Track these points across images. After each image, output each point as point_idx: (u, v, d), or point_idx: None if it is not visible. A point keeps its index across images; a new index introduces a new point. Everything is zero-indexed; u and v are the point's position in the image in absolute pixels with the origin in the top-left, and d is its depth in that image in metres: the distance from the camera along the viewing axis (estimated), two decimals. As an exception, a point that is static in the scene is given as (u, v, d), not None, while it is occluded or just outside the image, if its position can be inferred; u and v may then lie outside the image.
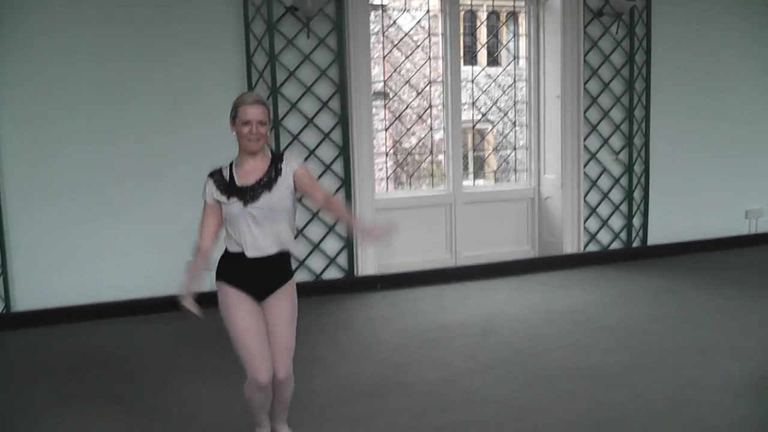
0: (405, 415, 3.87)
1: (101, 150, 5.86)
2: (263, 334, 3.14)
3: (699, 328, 5.25)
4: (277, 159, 3.16)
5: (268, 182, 3.09)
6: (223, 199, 3.09)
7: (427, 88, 7.14)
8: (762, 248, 7.88)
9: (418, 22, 7.20)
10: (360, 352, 4.92)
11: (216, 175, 3.14)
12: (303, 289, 6.10)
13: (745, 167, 8.06)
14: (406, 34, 7.36)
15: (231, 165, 3.16)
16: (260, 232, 3.08)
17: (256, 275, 3.13)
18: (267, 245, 3.10)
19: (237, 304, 3.12)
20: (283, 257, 3.19)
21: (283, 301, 3.20)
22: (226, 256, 3.16)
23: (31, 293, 5.81)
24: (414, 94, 7.36)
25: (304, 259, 6.37)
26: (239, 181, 3.10)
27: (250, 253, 3.08)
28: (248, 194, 3.07)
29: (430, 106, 7.16)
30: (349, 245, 6.48)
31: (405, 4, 7.32)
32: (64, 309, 5.83)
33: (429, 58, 7.11)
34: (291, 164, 3.14)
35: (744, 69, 7.95)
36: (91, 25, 5.77)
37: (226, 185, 3.10)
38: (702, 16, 7.66)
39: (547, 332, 5.23)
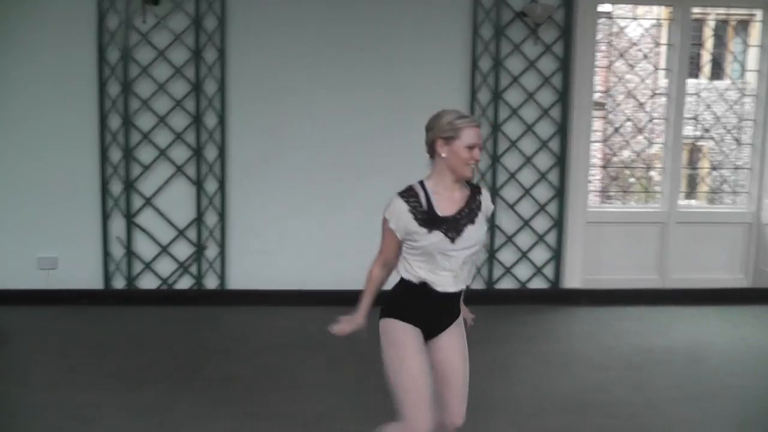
0: (603, 436, 3.85)
1: (323, 148, 6.24)
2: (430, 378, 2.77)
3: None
4: (476, 190, 2.84)
5: (470, 214, 2.75)
6: (420, 231, 2.69)
7: (650, 99, 6.93)
8: None
9: (646, 30, 7.00)
10: (561, 366, 4.90)
11: (412, 201, 2.72)
12: (507, 297, 6.26)
13: None
14: (633, 44, 7.16)
15: (425, 188, 2.76)
16: (457, 267, 2.74)
17: (436, 312, 2.81)
18: (460, 281, 2.78)
19: (413, 342, 2.75)
20: (461, 293, 2.87)
21: (460, 339, 2.88)
22: (406, 289, 2.78)
23: (243, 274, 6.30)
24: (634, 105, 7.14)
25: (511, 267, 6.42)
26: (440, 211, 2.72)
27: (442, 289, 2.74)
28: (453, 226, 2.71)
29: (651, 119, 6.93)
30: (557, 256, 6.45)
31: (633, 10, 7.13)
32: (271, 292, 6.25)
33: (655, 69, 6.89)
34: (487, 199, 2.86)
35: None
36: (319, 21, 6.13)
37: (426, 214, 2.70)
38: None
39: (760, 370, 4.95)
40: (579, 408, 4.16)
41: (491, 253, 6.35)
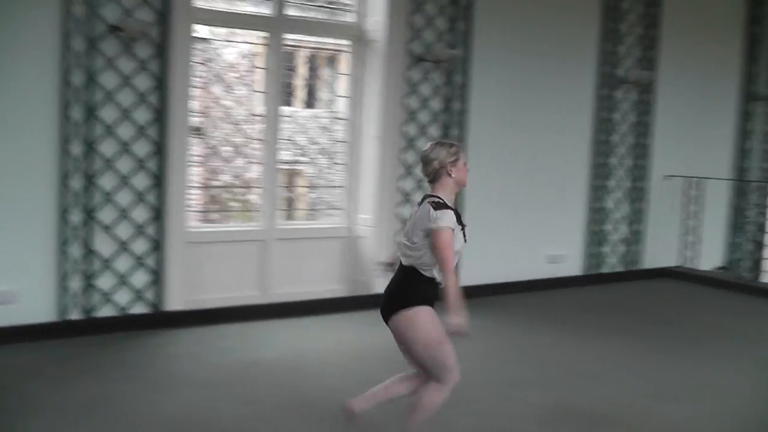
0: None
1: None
2: None
3: (507, 362, 5.60)
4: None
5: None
6: (459, 235, 3.62)
7: (246, 123, 7.11)
8: (562, 291, 8.45)
9: (243, 55, 7.19)
10: (167, 389, 4.76)
11: (454, 212, 3.62)
12: (107, 326, 5.91)
13: (550, 214, 8.61)
14: (230, 67, 7.32)
15: (445, 202, 3.66)
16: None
17: (437, 297, 3.65)
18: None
19: (439, 320, 3.61)
20: None
21: None
22: (424, 283, 3.62)
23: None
24: (231, 128, 7.29)
25: (110, 293, 6.04)
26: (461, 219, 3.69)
27: (438, 280, 3.63)
28: (465, 230, 3.70)
29: (250, 139, 7.11)
30: (157, 279, 6.24)
31: (230, 36, 7.30)
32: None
33: (252, 92, 7.10)
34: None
35: (558, 114, 8.55)
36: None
37: (460, 221, 3.65)
38: (520, 68, 8.15)
39: (356, 369, 5.31)
40: (186, 429, 4.07)
41: (87, 278, 5.94)
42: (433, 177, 3.71)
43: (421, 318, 3.58)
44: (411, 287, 3.63)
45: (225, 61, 7.56)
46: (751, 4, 10.10)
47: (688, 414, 4.69)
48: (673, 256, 9.69)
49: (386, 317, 3.68)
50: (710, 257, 10.08)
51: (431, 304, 3.63)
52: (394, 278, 3.75)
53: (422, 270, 3.60)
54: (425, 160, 3.71)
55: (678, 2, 9.25)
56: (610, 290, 8.63)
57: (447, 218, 3.52)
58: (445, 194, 3.67)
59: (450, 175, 3.67)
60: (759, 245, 10.63)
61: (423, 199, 3.72)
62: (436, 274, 3.59)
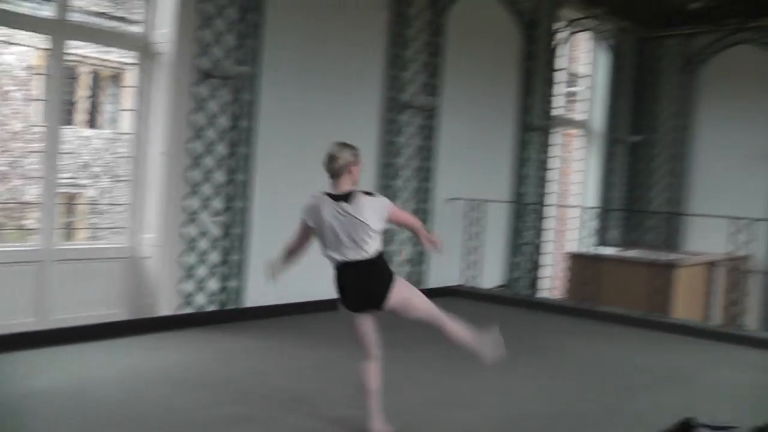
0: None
1: None
2: None
3: (294, 380, 5.61)
4: None
5: None
6: None
7: (23, 136, 6.64)
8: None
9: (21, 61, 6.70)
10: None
11: None
12: None
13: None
14: (6, 72, 6.79)
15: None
16: None
17: None
18: None
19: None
20: None
21: None
22: (385, 260, 4.34)
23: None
24: (6, 141, 6.76)
25: None
26: None
27: None
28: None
29: (25, 155, 6.65)
30: None
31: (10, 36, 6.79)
32: None
33: (30, 101, 6.66)
34: None
35: (345, 135, 8.59)
36: None
37: None
38: (308, 88, 8.25)
39: (143, 394, 5.10)
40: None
41: None
42: (337, 174, 4.16)
43: (405, 283, 4.32)
44: (385, 268, 4.23)
45: (1, 67, 6.99)
46: (526, 41, 10.96)
47: (479, 417, 4.97)
48: (456, 276, 10.22)
49: (380, 305, 4.22)
50: (491, 276, 10.74)
51: None
52: (360, 276, 4.19)
53: (378, 251, 4.18)
54: (332, 158, 4.16)
55: (460, 33, 9.83)
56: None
57: (385, 199, 4.29)
58: (348, 189, 4.17)
59: (350, 173, 4.16)
60: (535, 264, 11.50)
61: (328, 195, 4.20)
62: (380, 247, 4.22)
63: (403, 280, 4.32)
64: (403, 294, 4.25)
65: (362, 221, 4.08)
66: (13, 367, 5.63)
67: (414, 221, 4.45)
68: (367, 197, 4.16)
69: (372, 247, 4.14)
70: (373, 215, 4.12)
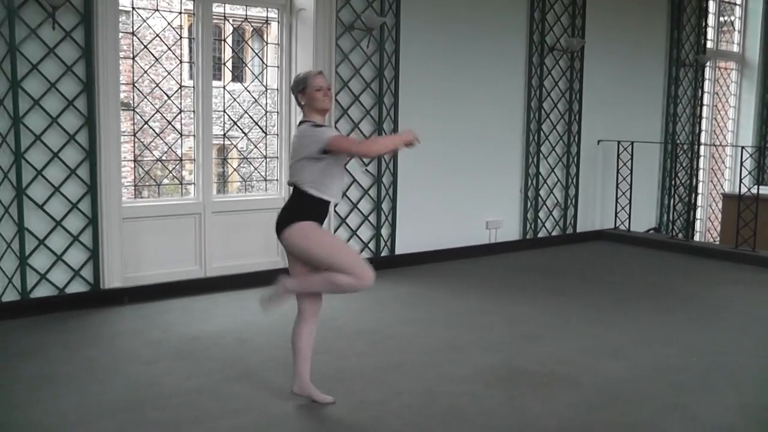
0: (159, 428, 3.75)
1: None
2: None
3: (449, 328, 5.66)
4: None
5: None
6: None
7: (177, 95, 6.93)
8: (500, 256, 8.59)
9: (171, 24, 6.97)
10: (109, 368, 4.65)
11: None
12: (44, 306, 5.75)
13: (487, 181, 8.70)
14: (156, 37, 7.09)
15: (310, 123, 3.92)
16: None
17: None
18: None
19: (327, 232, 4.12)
20: None
21: None
22: (312, 200, 3.86)
23: None
24: (160, 101, 7.05)
25: (46, 273, 5.88)
26: None
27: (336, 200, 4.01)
28: None
29: (181, 111, 6.94)
30: (94, 256, 6.09)
31: (155, 3, 7.07)
32: None
33: (180, 61, 6.94)
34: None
35: (491, 82, 8.59)
36: None
37: None
38: (450, 35, 8.15)
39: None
40: (132, 406, 4.01)
41: (23, 259, 5.75)
42: (299, 105, 4.04)
43: (312, 235, 3.85)
44: (298, 206, 3.89)
45: (152, 33, 7.30)
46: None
47: (629, 367, 4.83)
48: (608, 220, 9.97)
49: (278, 234, 3.95)
50: (643, 219, 10.41)
51: (320, 222, 3.92)
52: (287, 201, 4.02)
53: (309, 185, 3.85)
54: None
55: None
56: (547, 254, 8.81)
57: (328, 130, 3.86)
58: (313, 118, 3.96)
59: (299, 102, 4.00)
60: (688, 206, 11.00)
61: (300, 123, 4.01)
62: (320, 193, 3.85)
63: (313, 231, 3.86)
64: (297, 243, 3.86)
65: (295, 149, 3.89)
66: (182, 312, 6.00)
67: (369, 145, 4.06)
68: (306, 127, 3.88)
69: (298, 177, 3.85)
70: (306, 146, 3.80)
